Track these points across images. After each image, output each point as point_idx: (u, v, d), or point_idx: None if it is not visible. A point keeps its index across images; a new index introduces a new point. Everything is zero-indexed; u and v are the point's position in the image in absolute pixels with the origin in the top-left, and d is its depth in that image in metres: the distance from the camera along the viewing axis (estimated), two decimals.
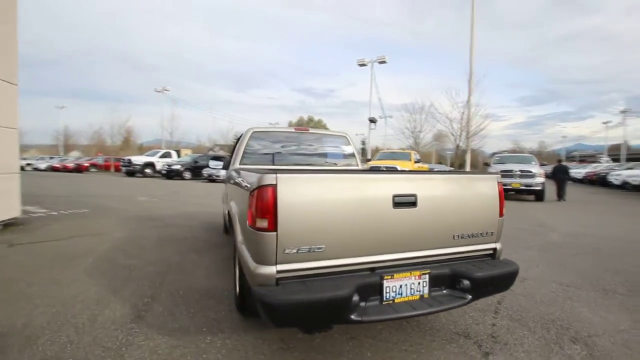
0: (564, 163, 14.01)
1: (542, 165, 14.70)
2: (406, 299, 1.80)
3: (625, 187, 16.00)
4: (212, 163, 4.63)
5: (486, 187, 2.09)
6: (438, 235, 1.94)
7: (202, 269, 3.56)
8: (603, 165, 24.34)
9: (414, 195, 1.84)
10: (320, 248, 1.66)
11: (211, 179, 18.78)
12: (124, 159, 22.80)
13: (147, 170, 21.64)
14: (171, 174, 19.97)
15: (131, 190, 12.84)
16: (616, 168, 19.89)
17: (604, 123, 40.93)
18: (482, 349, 2.12)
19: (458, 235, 1.99)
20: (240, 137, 3.89)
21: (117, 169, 27.12)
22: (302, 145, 3.87)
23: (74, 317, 2.40)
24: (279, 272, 1.61)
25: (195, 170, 20.61)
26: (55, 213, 6.82)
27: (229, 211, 2.74)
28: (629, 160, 28.82)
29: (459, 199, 1.99)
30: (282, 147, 3.80)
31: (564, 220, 7.39)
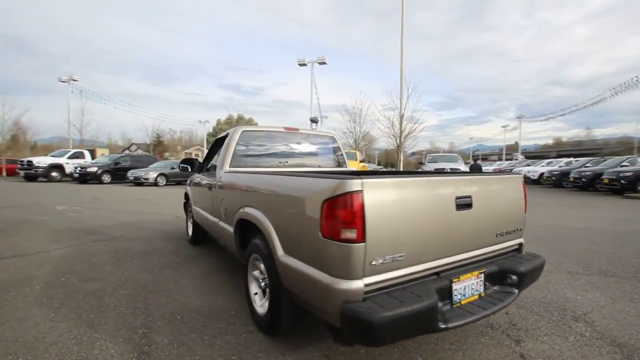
0: (478, 162, 16.16)
1: (466, 163, 16.61)
2: (470, 299, 1.81)
3: (525, 181, 19.04)
4: (183, 166, 4.10)
5: (515, 186, 2.23)
6: (486, 234, 2.00)
7: (187, 287, 3.13)
8: (505, 163, 28.54)
9: (470, 197, 1.86)
10: (402, 256, 1.57)
11: (138, 183, 16.88)
12: (21, 161, 19.03)
13: (54, 174, 18.45)
14: (86, 178, 17.34)
15: (41, 198, 10.77)
16: (517, 165, 23.48)
17: (503, 127, 48.16)
18: (511, 337, 2.26)
19: (499, 233, 2.08)
20: (225, 136, 3.53)
21: (11, 173, 22.54)
22: (293, 145, 3.67)
23: None
24: (367, 285, 1.47)
25: (117, 173, 18.30)
26: None
27: (241, 220, 2.44)
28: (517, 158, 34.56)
29: (499, 199, 2.09)
30: (274, 147, 3.55)
31: None
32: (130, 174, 17.02)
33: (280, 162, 3.62)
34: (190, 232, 4.79)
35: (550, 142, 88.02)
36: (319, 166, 3.85)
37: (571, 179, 14.27)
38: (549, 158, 25.17)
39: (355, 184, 1.44)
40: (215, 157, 4.22)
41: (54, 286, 3.07)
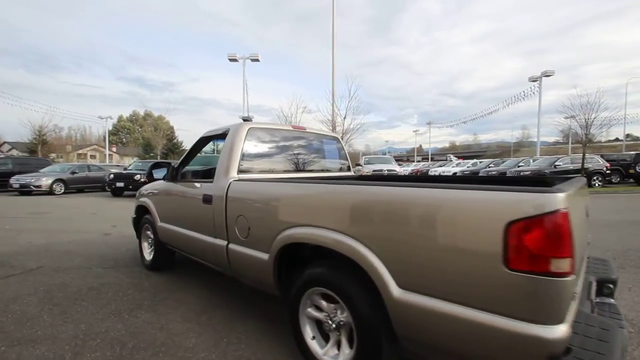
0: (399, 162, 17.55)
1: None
2: None
3: None
4: (157, 173, 3.15)
5: None
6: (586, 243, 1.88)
7: (186, 336, 2.35)
8: (420, 164, 31.59)
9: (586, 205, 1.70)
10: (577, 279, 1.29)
11: (26, 191, 13.54)
12: None
13: None
14: None
15: None
16: (431, 166, 26.11)
17: (414, 131, 53.38)
18: None
19: (588, 242, 1.98)
20: (220, 135, 2.82)
21: None
22: (302, 146, 3.14)
23: None
24: (570, 327, 1.14)
25: None
26: None
27: (290, 244, 1.88)
28: (428, 159, 38.47)
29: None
30: (284, 147, 2.97)
31: None
32: (15, 180, 13.54)
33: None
34: (148, 256, 3.79)
35: (447, 145, 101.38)
36: (328, 170, 3.41)
37: None
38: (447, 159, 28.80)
39: (560, 200, 1.10)
40: (191, 162, 3.40)
41: None
